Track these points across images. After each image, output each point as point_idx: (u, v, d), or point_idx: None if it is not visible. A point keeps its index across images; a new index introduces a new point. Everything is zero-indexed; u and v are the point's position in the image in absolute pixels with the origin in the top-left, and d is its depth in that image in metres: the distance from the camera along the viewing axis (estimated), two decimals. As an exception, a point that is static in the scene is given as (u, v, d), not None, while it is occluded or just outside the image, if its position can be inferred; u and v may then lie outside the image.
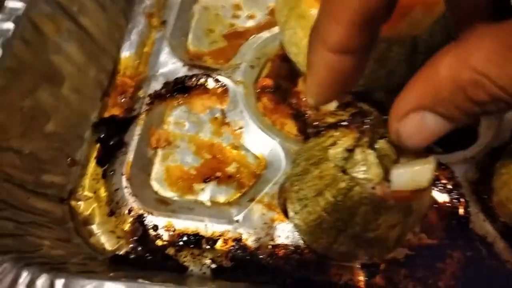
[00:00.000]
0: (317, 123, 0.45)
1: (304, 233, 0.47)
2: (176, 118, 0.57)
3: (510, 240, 0.50)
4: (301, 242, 0.48)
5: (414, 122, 0.27)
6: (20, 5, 0.49)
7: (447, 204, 0.52)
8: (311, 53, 0.30)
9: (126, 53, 0.62)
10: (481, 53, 0.21)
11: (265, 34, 0.64)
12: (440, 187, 0.53)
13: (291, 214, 0.48)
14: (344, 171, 0.40)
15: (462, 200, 0.52)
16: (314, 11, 0.51)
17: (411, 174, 0.41)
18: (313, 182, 0.42)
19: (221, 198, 0.51)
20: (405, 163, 0.43)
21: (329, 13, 0.27)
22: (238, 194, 0.51)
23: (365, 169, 0.41)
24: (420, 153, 0.43)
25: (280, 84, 0.60)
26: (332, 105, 0.43)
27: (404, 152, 0.44)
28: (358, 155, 0.40)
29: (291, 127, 0.57)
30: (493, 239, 0.50)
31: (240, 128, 0.55)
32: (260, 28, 0.66)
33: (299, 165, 0.45)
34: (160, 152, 0.54)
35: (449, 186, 0.53)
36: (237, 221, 0.49)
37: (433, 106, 0.25)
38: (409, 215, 0.41)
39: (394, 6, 0.29)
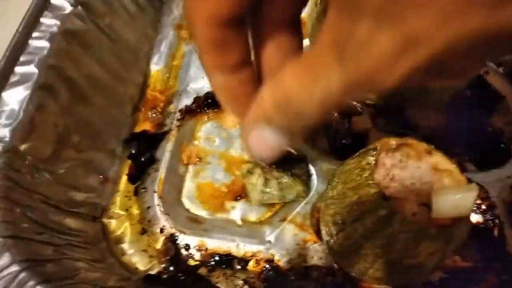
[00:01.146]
0: None
1: (339, 256, 0.46)
2: (207, 134, 0.56)
3: (546, 263, 0.49)
4: (334, 264, 0.48)
5: (256, 136, 0.32)
6: (54, 22, 0.49)
7: (482, 225, 0.52)
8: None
9: (156, 67, 0.62)
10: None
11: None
12: (474, 208, 0.52)
13: (325, 237, 0.47)
14: (384, 196, 0.40)
15: (497, 221, 0.51)
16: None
17: (453, 202, 0.40)
18: (351, 208, 0.42)
19: (252, 217, 0.51)
20: (446, 190, 0.43)
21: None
22: (269, 213, 0.51)
23: None
24: (461, 179, 0.43)
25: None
26: None
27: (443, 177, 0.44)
28: None
29: (322, 143, 0.56)
30: (529, 262, 0.49)
31: (271, 144, 0.55)
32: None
33: (336, 188, 0.45)
34: (191, 168, 0.54)
35: (484, 207, 0.52)
36: (269, 241, 0.49)
37: (264, 120, 0.30)
38: (450, 242, 0.40)
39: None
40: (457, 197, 0.40)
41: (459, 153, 0.56)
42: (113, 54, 0.55)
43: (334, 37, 0.23)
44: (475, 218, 0.52)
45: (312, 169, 0.53)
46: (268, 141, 0.31)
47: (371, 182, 0.41)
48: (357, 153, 0.46)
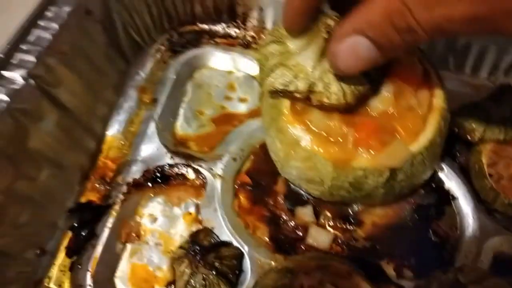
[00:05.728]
0: None
1: None
2: (150, 210, 0.57)
3: None
4: None
5: (349, 44, 0.33)
6: (3, 97, 0.50)
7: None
8: None
9: (112, 131, 0.62)
10: None
11: (254, 123, 0.63)
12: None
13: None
14: None
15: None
16: (292, 129, 0.50)
17: None
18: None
19: (182, 307, 0.52)
20: None
21: None
22: (201, 305, 0.52)
23: None
24: None
25: (259, 181, 0.60)
26: None
27: None
28: None
29: (263, 232, 0.56)
30: None
31: (212, 228, 0.55)
32: (250, 114, 0.66)
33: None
34: (129, 246, 0.55)
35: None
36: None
37: (365, 30, 0.32)
38: None
39: None
40: None
41: (399, 256, 0.56)
42: (63, 123, 0.55)
43: None
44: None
45: (246, 263, 0.53)
46: (360, 52, 0.33)
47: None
48: (276, 268, 0.46)
